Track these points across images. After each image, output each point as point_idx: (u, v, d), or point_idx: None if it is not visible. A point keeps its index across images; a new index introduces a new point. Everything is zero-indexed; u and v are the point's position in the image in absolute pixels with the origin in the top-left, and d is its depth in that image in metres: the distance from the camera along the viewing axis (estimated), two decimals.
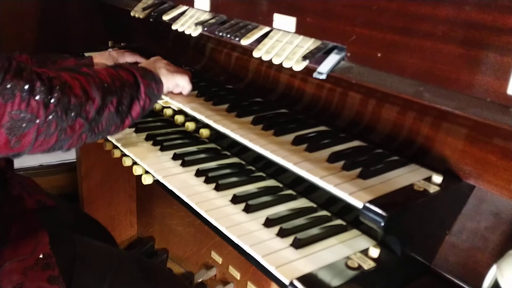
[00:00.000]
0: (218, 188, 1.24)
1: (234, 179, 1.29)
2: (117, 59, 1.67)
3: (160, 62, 1.39)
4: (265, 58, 1.24)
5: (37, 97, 0.96)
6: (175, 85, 1.37)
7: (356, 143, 1.16)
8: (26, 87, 0.95)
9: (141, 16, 1.74)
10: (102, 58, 1.65)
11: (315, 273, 0.94)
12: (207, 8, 1.51)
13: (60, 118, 1.00)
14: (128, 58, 1.68)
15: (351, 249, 1.03)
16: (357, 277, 0.93)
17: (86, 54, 1.70)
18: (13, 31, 2.23)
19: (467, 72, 0.91)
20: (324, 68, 1.14)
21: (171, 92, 1.40)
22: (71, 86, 1.03)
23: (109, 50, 1.72)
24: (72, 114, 1.02)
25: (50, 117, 0.98)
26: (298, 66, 1.17)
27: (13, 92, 0.93)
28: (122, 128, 1.19)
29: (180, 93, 1.41)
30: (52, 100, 0.98)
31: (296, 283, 0.90)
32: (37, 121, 0.97)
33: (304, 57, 1.17)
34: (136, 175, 1.40)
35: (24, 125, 0.95)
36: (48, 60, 1.54)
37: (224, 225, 1.09)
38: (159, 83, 1.27)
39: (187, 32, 1.51)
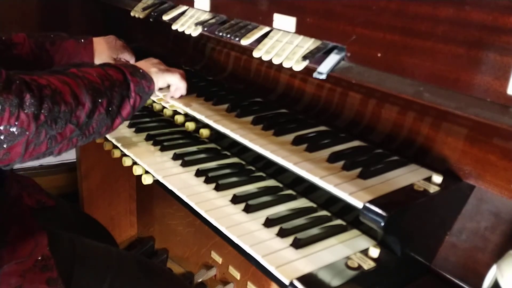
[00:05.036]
0: (218, 188, 1.24)
1: (234, 179, 1.29)
2: (117, 54, 1.62)
3: (150, 61, 1.37)
4: (265, 58, 1.24)
5: (27, 110, 0.94)
6: (166, 82, 1.35)
7: (356, 143, 1.16)
8: (16, 101, 0.92)
9: (141, 16, 1.74)
10: (103, 45, 1.59)
11: (315, 273, 0.94)
12: (207, 8, 1.51)
13: (50, 126, 0.99)
14: (127, 56, 1.66)
15: (351, 249, 1.03)
16: (357, 277, 0.93)
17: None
18: (13, 31, 2.23)
19: (467, 72, 0.91)
20: (324, 68, 1.14)
21: (172, 97, 1.40)
22: (61, 93, 1.02)
23: (114, 38, 1.63)
24: (62, 122, 1.01)
25: (40, 127, 0.97)
26: (298, 66, 1.17)
27: (3, 107, 0.91)
28: (112, 129, 1.17)
29: (181, 96, 1.41)
30: (42, 111, 0.97)
31: (296, 283, 0.90)
32: (27, 133, 0.95)
33: (304, 57, 1.17)
34: (136, 175, 1.40)
35: (13, 138, 0.94)
36: (46, 41, 1.49)
37: (224, 225, 1.09)
38: (149, 80, 1.25)
39: (187, 32, 1.51)
